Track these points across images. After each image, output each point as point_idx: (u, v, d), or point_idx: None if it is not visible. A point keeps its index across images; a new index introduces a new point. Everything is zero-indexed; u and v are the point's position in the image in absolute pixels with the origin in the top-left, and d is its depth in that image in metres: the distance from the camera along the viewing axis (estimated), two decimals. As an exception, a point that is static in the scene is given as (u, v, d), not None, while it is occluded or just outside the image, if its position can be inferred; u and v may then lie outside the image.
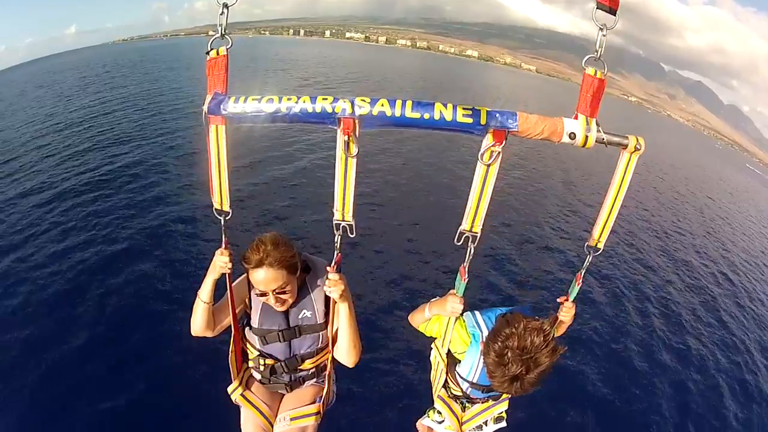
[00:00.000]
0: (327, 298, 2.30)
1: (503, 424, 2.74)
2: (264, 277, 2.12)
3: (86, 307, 7.48)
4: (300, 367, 2.51)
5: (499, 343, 1.93)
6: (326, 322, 2.38)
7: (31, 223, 10.31)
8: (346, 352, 2.35)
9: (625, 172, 1.82)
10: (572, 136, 1.69)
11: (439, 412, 2.79)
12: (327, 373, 2.51)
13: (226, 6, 1.72)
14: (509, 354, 1.89)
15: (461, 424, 2.82)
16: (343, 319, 2.29)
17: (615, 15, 1.62)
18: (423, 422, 2.98)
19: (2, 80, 55.30)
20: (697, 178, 36.90)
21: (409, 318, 2.69)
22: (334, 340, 2.39)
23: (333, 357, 2.43)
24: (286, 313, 2.35)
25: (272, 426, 2.50)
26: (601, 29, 1.64)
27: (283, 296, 2.24)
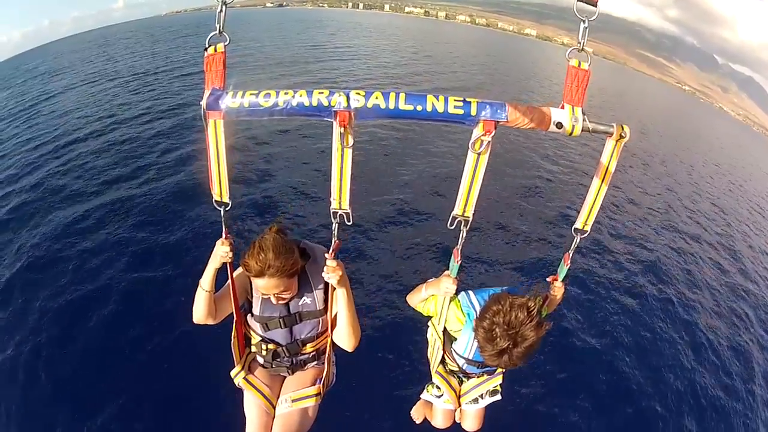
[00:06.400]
0: (326, 285, 2.35)
1: (498, 396, 2.87)
2: (265, 285, 2.19)
3: (90, 296, 7.53)
4: (301, 351, 2.58)
5: (488, 320, 2.05)
6: (326, 308, 2.44)
7: (27, 208, 10.38)
8: (345, 337, 2.42)
9: (610, 159, 1.88)
10: (559, 125, 1.75)
11: (438, 387, 2.91)
12: (327, 355, 2.58)
13: (224, 4, 1.76)
14: (497, 330, 2.01)
15: (459, 397, 2.94)
16: (341, 304, 2.35)
17: (596, 6, 1.66)
18: (423, 397, 3.10)
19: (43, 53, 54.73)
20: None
21: (407, 298, 2.79)
22: (334, 324, 2.46)
23: (332, 340, 2.50)
24: None
25: (274, 407, 2.57)
26: (583, 21, 1.69)
27: (283, 296, 2.32)
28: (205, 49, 1.80)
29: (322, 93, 1.74)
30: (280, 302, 2.36)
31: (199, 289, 2.35)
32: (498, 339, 2.00)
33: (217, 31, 1.77)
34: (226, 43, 1.81)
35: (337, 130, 1.77)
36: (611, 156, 1.87)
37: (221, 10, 1.75)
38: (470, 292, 2.55)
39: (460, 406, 2.96)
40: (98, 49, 46.06)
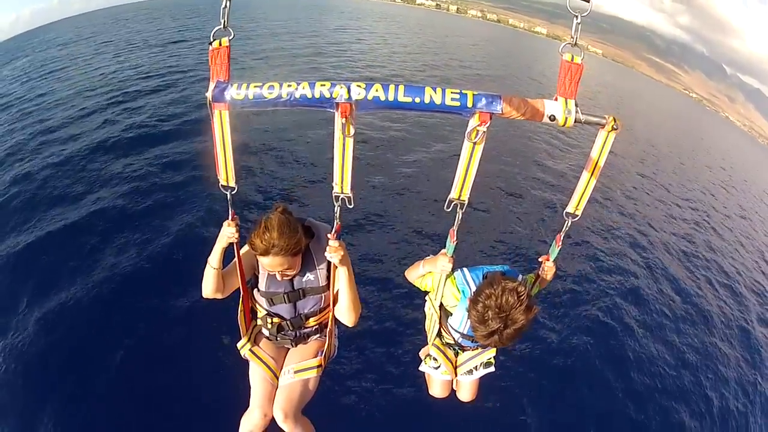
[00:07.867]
0: (329, 262, 2.45)
1: (492, 369, 3.00)
2: (270, 263, 2.30)
3: (103, 274, 7.68)
4: (304, 325, 2.72)
5: (480, 303, 2.16)
6: (328, 285, 2.56)
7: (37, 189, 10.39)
8: (346, 313, 2.56)
9: (602, 149, 1.95)
10: (552, 117, 1.81)
11: (435, 359, 3.05)
12: (328, 329, 2.71)
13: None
14: (489, 312, 2.11)
15: (455, 368, 3.09)
16: (342, 283, 2.48)
17: (588, 2, 1.69)
18: (421, 369, 3.24)
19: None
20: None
21: (405, 274, 2.89)
22: (335, 300, 2.59)
23: (334, 315, 2.63)
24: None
25: (278, 378, 2.71)
26: (575, 17, 1.72)
27: (287, 273, 2.44)
28: (210, 43, 1.84)
29: (324, 85, 1.80)
30: (284, 278, 2.49)
31: (207, 266, 2.48)
32: (489, 321, 2.11)
33: (222, 26, 1.81)
34: (230, 38, 1.85)
35: (338, 120, 1.84)
36: (603, 146, 1.94)
37: (225, 6, 1.78)
38: (465, 269, 2.64)
39: (456, 376, 3.10)
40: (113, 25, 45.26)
